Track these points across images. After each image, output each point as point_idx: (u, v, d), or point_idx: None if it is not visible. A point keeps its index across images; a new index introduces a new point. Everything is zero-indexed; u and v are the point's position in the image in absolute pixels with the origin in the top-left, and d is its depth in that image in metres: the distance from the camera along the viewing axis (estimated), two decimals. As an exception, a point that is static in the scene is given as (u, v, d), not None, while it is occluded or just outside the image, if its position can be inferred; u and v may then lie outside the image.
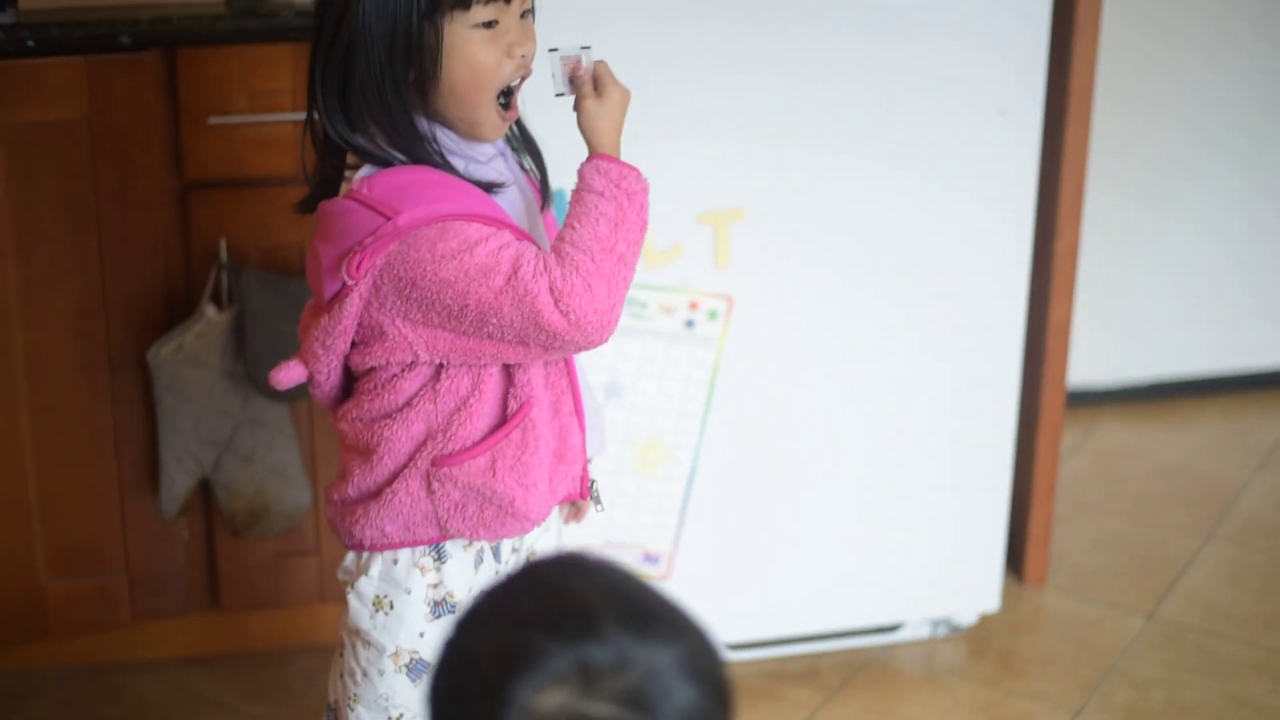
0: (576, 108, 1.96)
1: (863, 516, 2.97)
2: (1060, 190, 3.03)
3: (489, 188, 1.92)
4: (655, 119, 2.66)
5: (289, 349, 2.71)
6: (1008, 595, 3.20)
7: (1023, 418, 3.14)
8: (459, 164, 1.92)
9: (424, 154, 1.89)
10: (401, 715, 2.06)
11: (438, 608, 2.02)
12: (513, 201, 1.97)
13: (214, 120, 2.67)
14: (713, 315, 2.76)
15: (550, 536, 2.13)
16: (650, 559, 2.88)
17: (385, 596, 2.02)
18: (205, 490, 2.84)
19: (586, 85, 1.96)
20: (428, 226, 1.85)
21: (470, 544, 2.03)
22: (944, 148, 2.79)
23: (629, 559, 2.87)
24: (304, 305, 2.70)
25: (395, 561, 2.01)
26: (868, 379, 2.89)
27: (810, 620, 3.01)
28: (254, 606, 2.96)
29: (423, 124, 1.91)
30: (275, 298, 2.72)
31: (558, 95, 1.95)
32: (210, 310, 2.73)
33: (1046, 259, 3.07)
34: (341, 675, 2.09)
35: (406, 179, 1.88)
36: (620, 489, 2.82)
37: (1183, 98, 3.85)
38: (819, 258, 2.79)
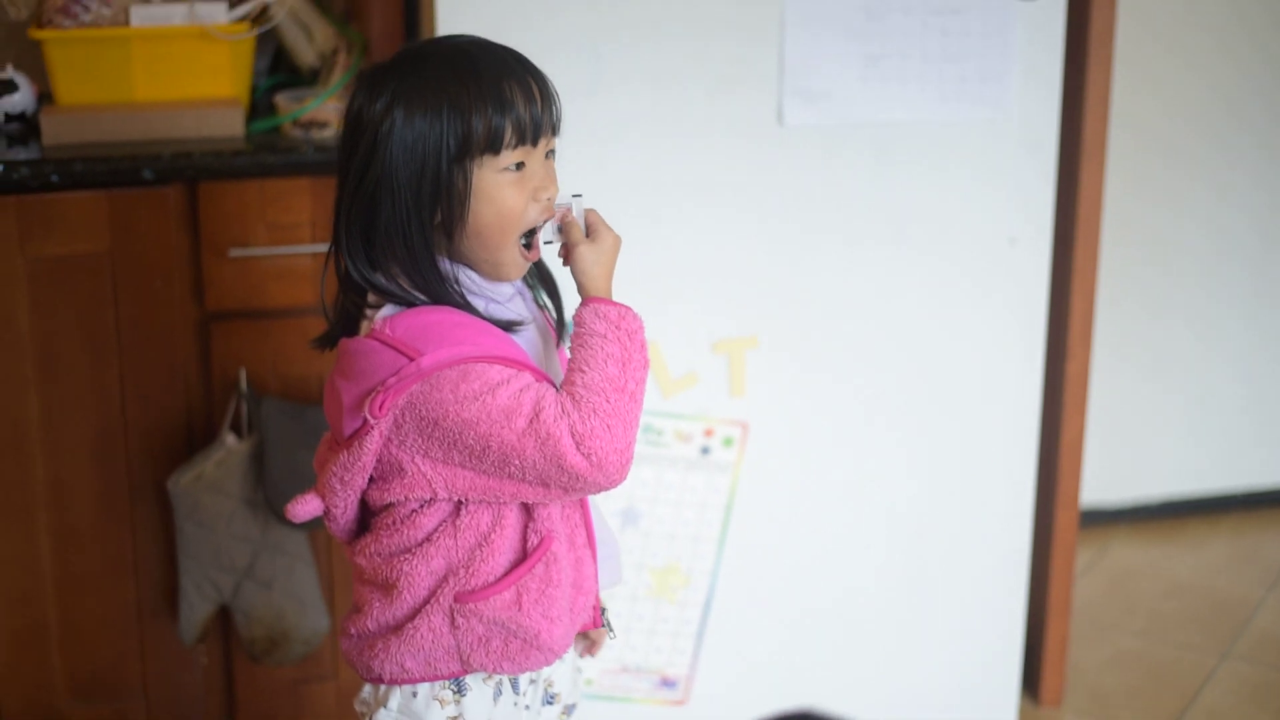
0: (569, 254, 1.98)
1: (878, 638, 2.97)
2: (1070, 314, 3.05)
3: (508, 326, 1.94)
4: (670, 250, 2.70)
5: (308, 477, 2.72)
6: (1024, 716, 3.19)
7: (1036, 537, 3.15)
8: (479, 304, 1.94)
9: (445, 295, 1.92)
10: None
11: None
12: (531, 340, 1.99)
13: (234, 252, 2.71)
14: (728, 442, 2.79)
15: (565, 667, 2.13)
16: (667, 684, 2.89)
17: None
18: (224, 616, 2.86)
19: (578, 232, 1.98)
20: (450, 368, 1.87)
21: (490, 677, 2.03)
22: (955, 275, 2.82)
23: (646, 684, 2.88)
24: (321, 434, 2.74)
25: (415, 694, 2.02)
26: (882, 502, 2.91)
27: (827, 743, 3.00)
28: (271, 732, 2.96)
29: (445, 265, 1.93)
30: (295, 426, 2.75)
31: (546, 243, 1.97)
32: (230, 439, 2.76)
33: (1058, 381, 3.10)
34: None
35: (429, 320, 1.90)
36: (637, 614, 2.83)
37: (1188, 229, 3.89)
38: (833, 383, 2.82)
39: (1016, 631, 3.05)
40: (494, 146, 1.88)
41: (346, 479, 1.97)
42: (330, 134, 2.77)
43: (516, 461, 1.87)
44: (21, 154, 2.68)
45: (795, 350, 2.79)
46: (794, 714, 1.22)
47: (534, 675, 2.08)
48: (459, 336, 1.89)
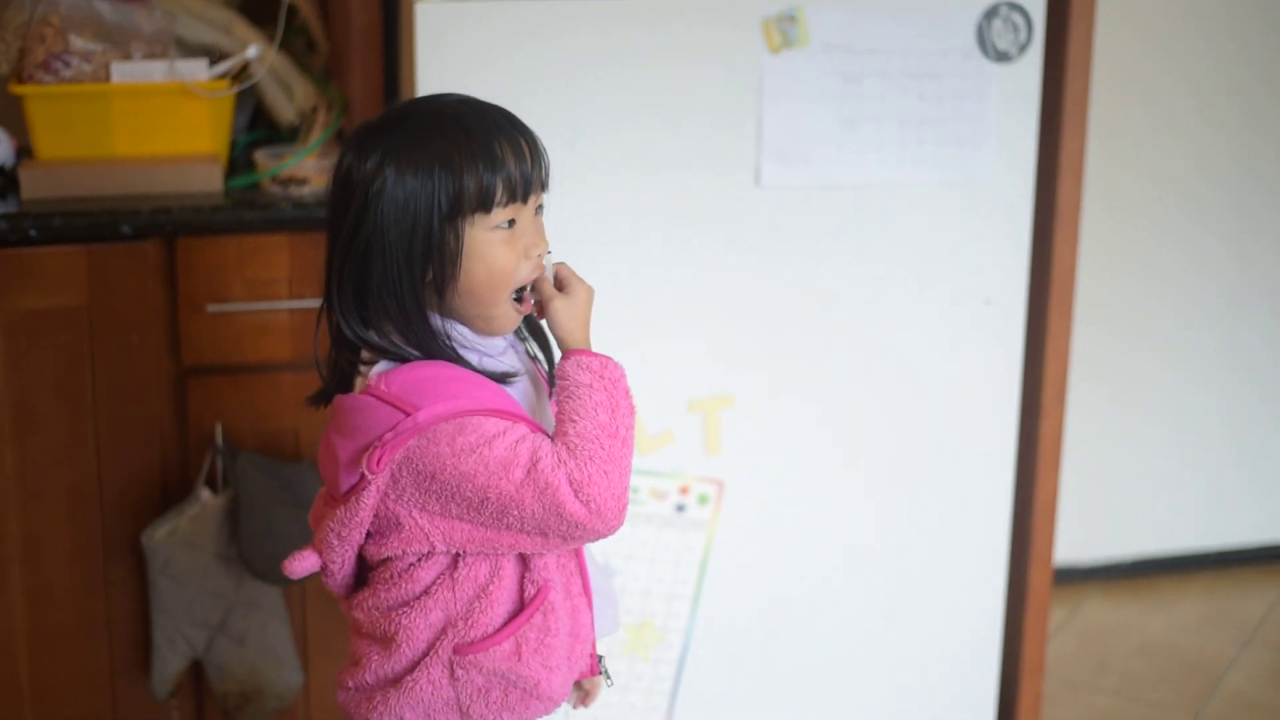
0: (543, 309, 1.99)
1: (853, 694, 2.97)
2: (1045, 374, 3.07)
3: (502, 379, 1.95)
4: (646, 309, 2.71)
5: (284, 532, 2.73)
6: (997, 775, 3.20)
7: (1010, 596, 3.16)
8: (473, 358, 1.94)
9: (438, 350, 1.92)
10: None
11: None
12: (524, 391, 1.99)
13: (212, 308, 2.71)
14: (703, 499, 2.79)
15: (558, 716, 2.13)
16: (640, 741, 2.88)
17: None
18: (197, 671, 2.85)
19: (549, 287, 1.99)
20: (446, 421, 1.88)
21: None
22: (930, 335, 2.83)
23: (619, 741, 2.87)
24: (297, 490, 2.75)
25: None
26: (856, 559, 2.91)
27: (800, 802, 3.01)
28: (243, 788, 2.95)
29: (436, 321, 1.93)
30: (270, 481, 2.75)
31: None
32: (205, 494, 2.76)
33: (1032, 440, 3.11)
34: None
35: (423, 375, 1.90)
36: (611, 671, 2.82)
37: (1160, 300, 3.91)
38: (808, 443, 2.83)
39: (990, 691, 3.05)
40: (485, 205, 1.88)
41: (344, 534, 1.96)
42: (309, 191, 2.78)
43: (515, 512, 1.88)
44: (1, 208, 2.69)
45: (771, 409, 2.80)
46: None
47: None
48: (454, 390, 1.89)
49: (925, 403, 2.87)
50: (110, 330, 2.71)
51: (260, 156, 2.84)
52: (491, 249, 1.90)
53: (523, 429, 1.90)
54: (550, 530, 1.90)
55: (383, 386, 1.89)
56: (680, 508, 2.79)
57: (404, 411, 1.87)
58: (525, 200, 1.91)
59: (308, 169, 2.79)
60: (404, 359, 1.92)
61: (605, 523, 1.89)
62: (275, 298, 2.74)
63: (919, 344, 2.83)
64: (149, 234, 2.69)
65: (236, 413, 2.77)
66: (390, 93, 2.88)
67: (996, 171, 2.79)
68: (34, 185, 2.73)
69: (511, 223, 1.91)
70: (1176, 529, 4.06)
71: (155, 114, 2.81)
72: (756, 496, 2.83)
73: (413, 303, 1.90)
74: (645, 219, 2.68)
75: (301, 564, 2.00)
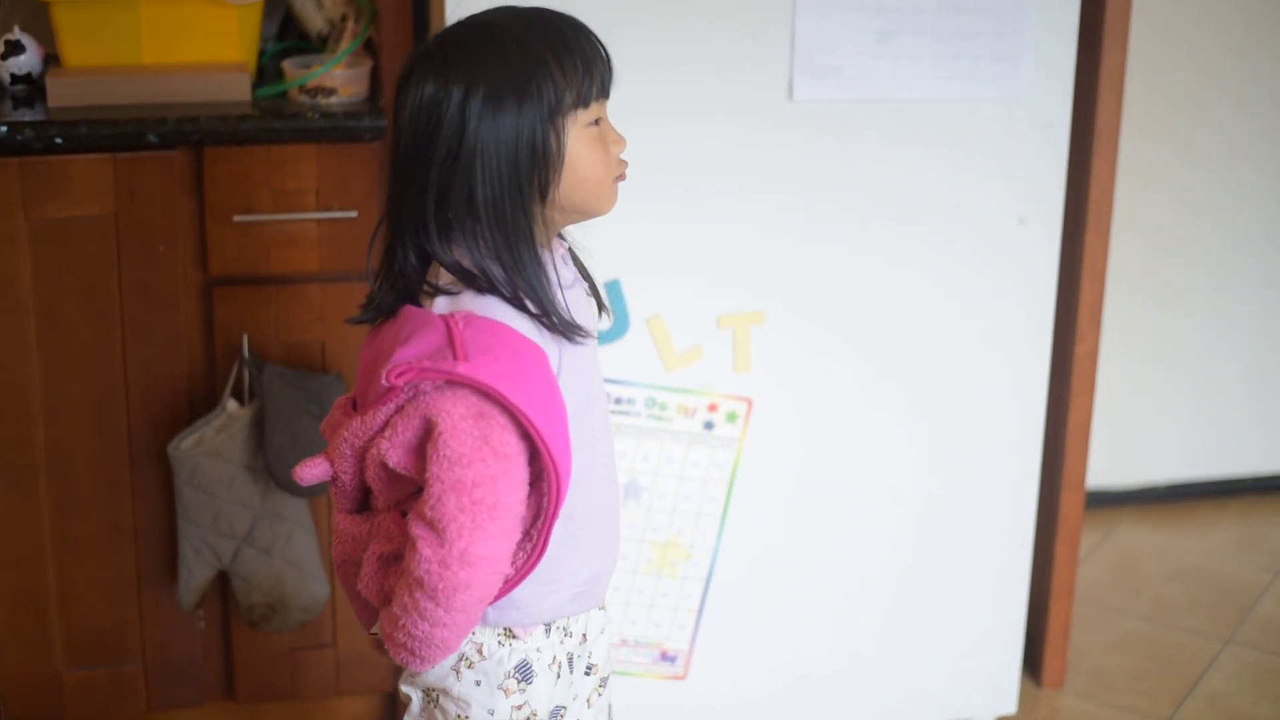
0: None
1: (880, 617, 2.96)
2: (1080, 295, 3.04)
3: (575, 330, 1.90)
4: (677, 223, 2.68)
5: (309, 444, 2.72)
6: (1025, 698, 3.18)
7: (1041, 520, 3.14)
8: (558, 296, 1.90)
9: (522, 281, 1.87)
10: None
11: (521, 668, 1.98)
12: (585, 357, 1.95)
13: (238, 218, 2.70)
14: (732, 417, 2.77)
15: (604, 640, 2.08)
16: (667, 658, 2.88)
17: (467, 717, 1.98)
18: (223, 582, 2.85)
19: None
20: (475, 393, 1.82)
21: (553, 662, 2.00)
22: (966, 253, 2.80)
23: (645, 658, 2.87)
24: (323, 402, 2.74)
25: (478, 683, 1.97)
26: (886, 481, 2.89)
27: (826, 722, 3.01)
28: (269, 699, 2.96)
29: (538, 249, 1.90)
30: (296, 393, 2.74)
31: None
32: (232, 405, 2.75)
33: (1066, 363, 3.08)
34: None
35: (495, 335, 1.84)
36: (638, 588, 2.82)
37: (1199, 222, 3.87)
38: (838, 361, 2.81)
39: (1019, 613, 3.04)
40: (583, 101, 1.88)
41: (356, 445, 1.93)
42: (337, 101, 2.75)
43: (448, 499, 1.82)
44: (27, 115, 2.67)
45: (801, 327, 2.77)
46: None
47: (578, 651, 2.04)
48: (508, 368, 1.83)
49: (958, 323, 2.84)
50: (137, 240, 2.69)
51: (288, 66, 2.81)
52: (588, 147, 1.90)
53: (516, 485, 1.83)
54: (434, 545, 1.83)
55: (460, 325, 1.84)
56: (709, 425, 2.77)
57: (455, 353, 1.82)
58: (607, 97, 1.92)
59: (336, 79, 2.76)
60: (482, 286, 1.87)
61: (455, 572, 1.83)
62: (303, 209, 2.72)
63: (952, 263, 2.80)
64: (176, 143, 2.67)
65: (263, 324, 2.76)
66: (420, 1, 2.85)
67: (1034, 88, 2.75)
68: (61, 93, 2.71)
69: (597, 122, 1.91)
70: (1213, 455, 4.04)
71: (183, 22, 2.78)
72: (786, 415, 2.81)
73: (520, 218, 1.87)
74: (676, 134, 2.65)
75: (312, 471, 1.96)
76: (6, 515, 2.77)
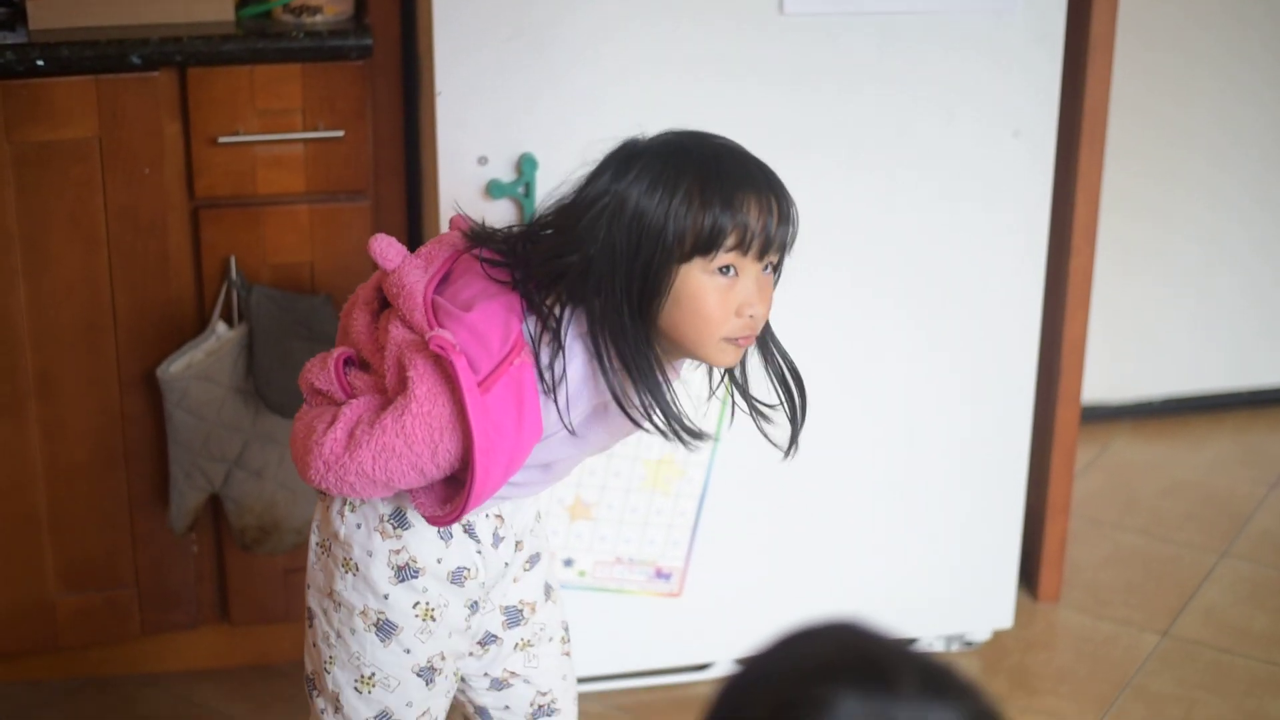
0: None
1: (876, 533, 2.96)
2: (1075, 209, 3.02)
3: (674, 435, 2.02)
4: (671, 125, 2.65)
5: (299, 365, 2.69)
6: (1021, 612, 3.18)
7: (1037, 434, 3.13)
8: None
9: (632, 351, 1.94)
10: (373, 674, 2.11)
11: (401, 572, 2.07)
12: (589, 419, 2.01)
13: (224, 139, 2.67)
14: (723, 335, 2.75)
15: (522, 513, 2.15)
16: (662, 576, 2.87)
17: (350, 559, 2.08)
18: (215, 505, 2.85)
19: None
20: (444, 399, 1.91)
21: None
22: (958, 167, 2.78)
23: (640, 576, 2.86)
24: (312, 323, 2.73)
25: (359, 526, 2.07)
26: (881, 396, 2.88)
27: (821, 638, 3.00)
28: (263, 621, 2.96)
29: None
30: (285, 315, 2.72)
31: None
32: (220, 327, 2.73)
33: (1061, 277, 3.06)
34: (315, 643, 2.15)
35: (516, 392, 1.93)
36: (631, 506, 2.81)
37: (1196, 116, 3.83)
38: (832, 275, 2.79)
39: (1015, 527, 3.03)
40: (708, 248, 1.89)
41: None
42: (322, 20, 2.72)
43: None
44: (8, 38, 2.64)
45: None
46: (839, 621, 1.19)
47: (488, 524, 2.11)
48: (492, 420, 1.92)
49: (951, 237, 2.82)
50: (121, 162, 2.67)
51: (272, -16, 2.78)
52: (704, 293, 1.91)
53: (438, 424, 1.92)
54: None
55: (517, 357, 1.93)
56: (700, 343, 2.75)
57: (482, 365, 1.91)
58: (755, 256, 1.91)
59: (320, -3, 2.73)
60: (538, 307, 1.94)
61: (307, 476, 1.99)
62: (288, 129, 2.69)
63: (946, 176, 2.78)
64: (159, 64, 2.64)
65: (250, 246, 2.74)
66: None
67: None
68: (41, 15, 2.67)
69: (730, 270, 1.91)
70: (1208, 369, 4.03)
71: (165, -60, 2.75)
72: (779, 331, 2.79)
73: (629, 326, 1.92)
74: (665, 49, 2.62)
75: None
76: (-4, 441, 2.77)
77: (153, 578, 2.88)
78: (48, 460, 2.79)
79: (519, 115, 2.60)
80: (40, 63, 2.60)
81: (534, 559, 2.20)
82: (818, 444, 2.88)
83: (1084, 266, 3.07)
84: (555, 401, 1.94)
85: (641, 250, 1.89)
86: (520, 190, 2.62)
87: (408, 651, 2.11)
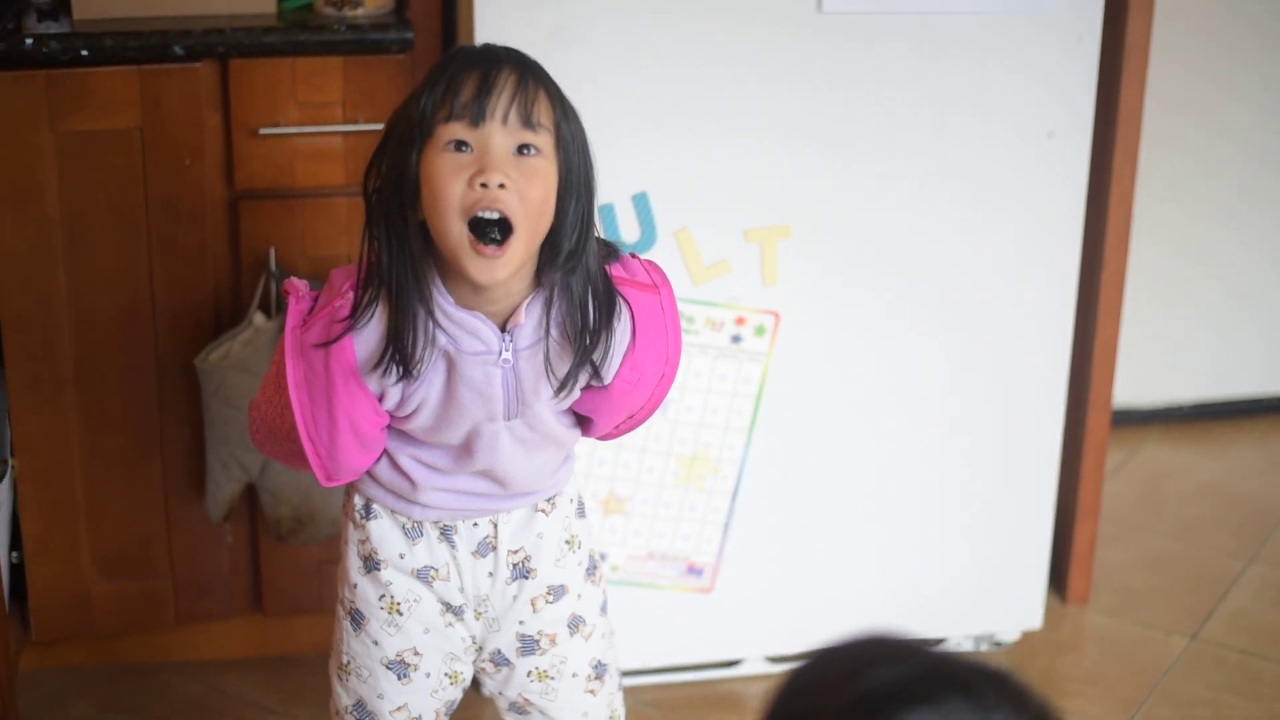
0: None
1: (907, 532, 2.96)
2: (1108, 212, 3.02)
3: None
4: (704, 136, 2.67)
5: (336, 358, 2.72)
6: (1050, 614, 3.19)
7: (1067, 438, 3.13)
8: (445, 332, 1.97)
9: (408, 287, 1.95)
10: (348, 662, 2.20)
11: (366, 563, 2.15)
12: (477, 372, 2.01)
13: (265, 131, 2.69)
14: (759, 331, 2.77)
15: (526, 532, 2.16)
16: (694, 571, 2.88)
17: (341, 546, 2.21)
18: (251, 496, 2.86)
19: None
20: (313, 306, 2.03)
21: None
22: (992, 169, 2.78)
23: (672, 571, 2.87)
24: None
25: (344, 514, 2.18)
26: (913, 396, 2.89)
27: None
28: (297, 612, 2.97)
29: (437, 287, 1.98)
30: (323, 307, 2.74)
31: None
32: (258, 318, 2.75)
33: (1093, 280, 3.07)
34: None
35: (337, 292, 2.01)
36: (664, 501, 2.82)
37: (1232, 114, 3.83)
38: (865, 275, 2.80)
39: (1045, 529, 3.04)
40: (429, 122, 1.90)
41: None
42: (363, 13, 2.74)
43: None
44: (53, 28, 2.66)
45: (828, 241, 2.76)
46: (864, 637, 1.19)
47: (473, 534, 2.14)
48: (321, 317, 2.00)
49: (985, 237, 2.82)
50: (163, 153, 2.69)
51: (314, -22, 2.80)
52: (436, 168, 1.90)
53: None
54: None
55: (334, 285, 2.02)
56: (736, 339, 2.76)
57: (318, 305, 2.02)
58: (477, 123, 1.89)
59: (362, -9, 2.75)
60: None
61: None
62: (329, 121, 2.71)
63: (980, 176, 2.79)
64: (201, 55, 2.66)
65: (289, 237, 2.75)
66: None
67: (1064, 1, 2.72)
68: (85, 6, 2.69)
69: (467, 148, 1.89)
70: (1237, 374, 4.02)
71: (208, -67, 2.77)
72: (813, 329, 2.81)
73: (399, 229, 1.94)
74: (703, 46, 2.63)
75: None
76: (35, 430, 2.78)
77: (188, 567, 2.89)
78: (85, 448, 2.80)
79: (558, 110, 2.61)
80: (84, 53, 2.62)
81: (558, 591, 2.18)
82: (850, 441, 2.89)
83: (1116, 270, 3.08)
84: (358, 333, 1.96)
85: (391, 152, 1.93)
86: (558, 185, 2.63)
87: (376, 643, 2.16)
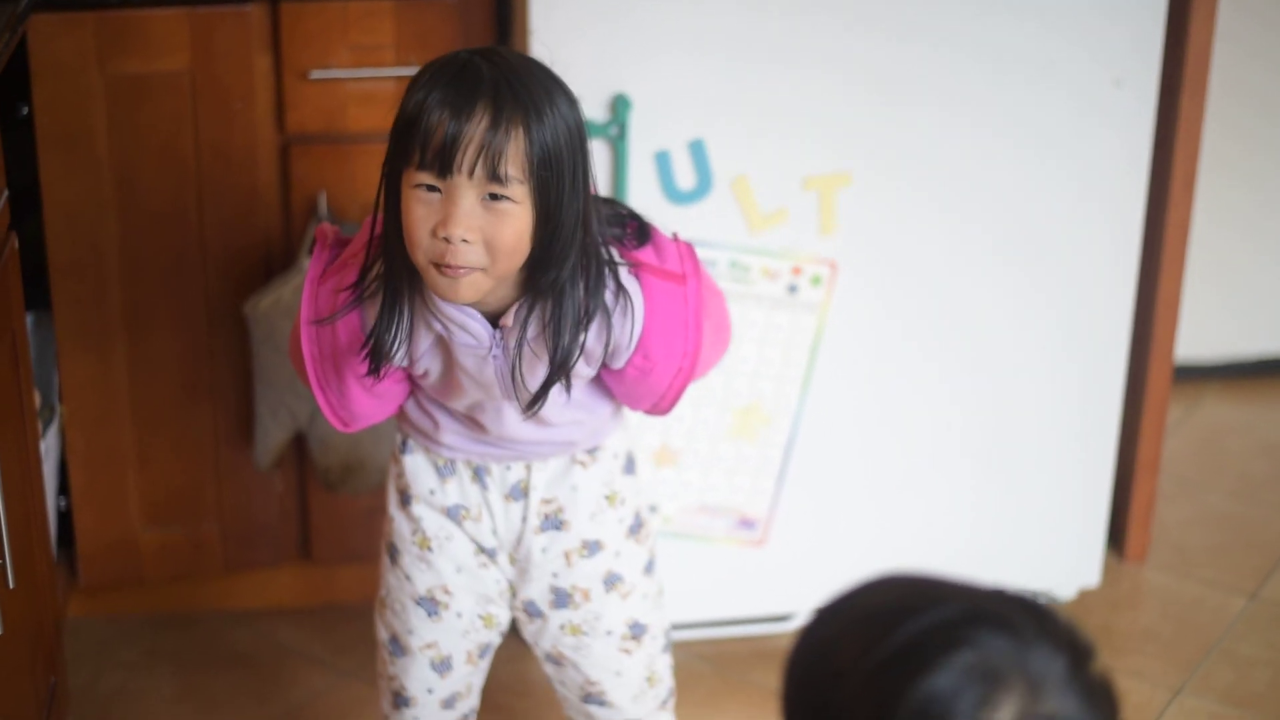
0: None
1: (963, 487, 2.93)
2: (1174, 163, 2.96)
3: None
4: (763, 84, 2.63)
5: (386, 305, 2.70)
6: (1108, 571, 3.15)
7: (1128, 392, 3.09)
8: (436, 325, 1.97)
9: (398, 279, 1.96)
10: (385, 595, 2.25)
11: (401, 496, 2.18)
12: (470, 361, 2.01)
13: (315, 74, 2.65)
14: (816, 281, 2.72)
15: (562, 483, 2.15)
16: (746, 524, 2.85)
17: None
18: (300, 444, 2.84)
19: None
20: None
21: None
22: (1056, 117, 2.73)
23: (724, 524, 2.84)
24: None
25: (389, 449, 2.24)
26: (972, 348, 2.85)
27: (906, 591, 2.97)
28: (345, 560, 2.96)
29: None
30: (374, 254, 2.71)
31: None
32: (308, 264, 2.72)
33: (1157, 232, 3.01)
34: None
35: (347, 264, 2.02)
36: (718, 454, 2.79)
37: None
38: (925, 226, 2.75)
39: (1104, 485, 2.99)
40: (403, 160, 1.88)
41: None
42: (416, -46, 2.70)
43: None
44: (102, -32, 2.63)
45: (888, 189, 2.71)
46: (875, 578, 1.20)
47: (506, 479, 2.14)
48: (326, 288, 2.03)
49: (1046, 187, 2.77)
50: (213, 96, 2.66)
51: (366, -81, 2.76)
52: (409, 206, 1.88)
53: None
54: None
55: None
56: (792, 289, 2.72)
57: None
58: (443, 176, 1.84)
59: (415, -68, 2.71)
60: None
61: None
62: (381, 64, 2.67)
63: (1043, 126, 2.73)
64: (252, -3, 2.63)
65: (340, 182, 2.72)
66: None
67: (1133, -56, 2.67)
68: (136, -55, 2.67)
69: (432, 188, 1.86)
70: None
71: (259, -127, 2.73)
72: (870, 279, 2.76)
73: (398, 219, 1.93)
74: (763, -11, 2.59)
75: None
76: (84, 376, 2.76)
77: (236, 515, 2.88)
78: (134, 395, 2.79)
79: (613, 55, 2.57)
80: (134, -6, 2.59)
81: (592, 546, 2.17)
82: (906, 393, 2.85)
83: (1181, 221, 3.02)
84: (365, 304, 1.98)
85: (389, 151, 1.92)
86: (613, 131, 2.59)
87: (408, 578, 2.18)
